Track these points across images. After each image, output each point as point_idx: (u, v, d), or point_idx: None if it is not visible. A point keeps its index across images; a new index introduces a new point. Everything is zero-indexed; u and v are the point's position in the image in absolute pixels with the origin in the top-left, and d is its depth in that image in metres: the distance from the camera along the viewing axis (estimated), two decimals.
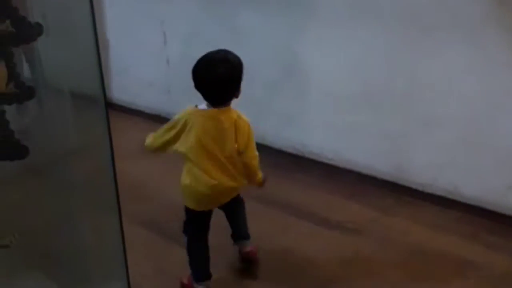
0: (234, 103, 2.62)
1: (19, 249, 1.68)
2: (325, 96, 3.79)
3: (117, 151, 3.90)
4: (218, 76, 2.47)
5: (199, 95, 2.54)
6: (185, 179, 2.59)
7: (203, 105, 2.57)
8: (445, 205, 3.40)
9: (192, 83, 2.55)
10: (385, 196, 3.51)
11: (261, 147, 4.10)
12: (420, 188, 3.52)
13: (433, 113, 3.36)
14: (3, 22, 1.46)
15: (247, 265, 2.93)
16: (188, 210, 2.67)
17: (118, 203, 1.77)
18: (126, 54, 4.85)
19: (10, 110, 1.54)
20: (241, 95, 2.99)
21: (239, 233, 2.93)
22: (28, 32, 1.50)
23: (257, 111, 4.13)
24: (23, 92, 1.54)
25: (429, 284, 2.78)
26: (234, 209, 2.88)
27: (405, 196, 3.50)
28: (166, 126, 2.61)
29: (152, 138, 2.67)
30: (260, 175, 2.75)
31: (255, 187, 2.78)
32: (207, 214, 2.70)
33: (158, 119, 4.68)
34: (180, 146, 2.54)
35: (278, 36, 3.88)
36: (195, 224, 2.70)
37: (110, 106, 4.89)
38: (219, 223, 2.82)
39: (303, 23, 3.74)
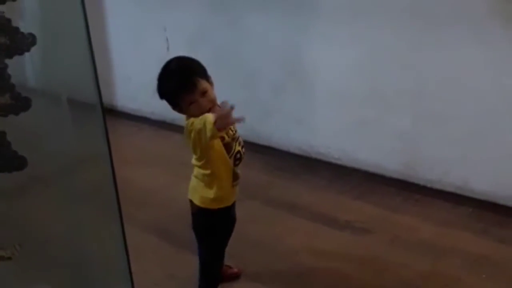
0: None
1: (22, 260, 1.68)
2: (331, 96, 3.77)
3: (124, 159, 3.93)
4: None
5: None
6: None
7: None
8: (455, 201, 3.37)
9: None
10: (394, 194, 3.48)
11: (267, 149, 4.12)
12: (429, 185, 3.49)
13: (442, 108, 3.33)
14: None
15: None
16: None
17: (120, 210, 1.76)
18: (130, 62, 4.85)
19: None
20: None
21: None
22: (21, 43, 1.49)
23: (264, 112, 4.13)
24: (19, 103, 1.54)
25: (441, 281, 2.74)
26: None
27: (415, 193, 3.47)
28: None
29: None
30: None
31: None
32: None
33: (163, 125, 4.69)
34: None
35: (284, 37, 3.87)
36: None
37: (116, 114, 4.93)
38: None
39: (308, 23, 3.72)
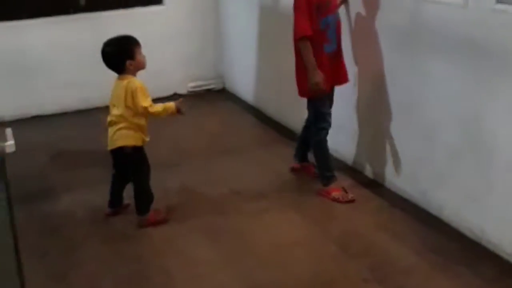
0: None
1: None
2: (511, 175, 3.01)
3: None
4: (104, 55, 3.46)
5: None
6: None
7: None
8: None
9: None
10: None
11: (435, 220, 3.46)
12: None
13: None
14: None
15: None
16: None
17: None
18: None
19: None
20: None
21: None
22: None
23: (436, 176, 3.49)
24: None
25: None
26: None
27: None
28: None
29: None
30: (160, 109, 3.48)
31: None
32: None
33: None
34: None
35: (465, 92, 3.19)
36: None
37: None
38: None
39: (494, 81, 3.00)
